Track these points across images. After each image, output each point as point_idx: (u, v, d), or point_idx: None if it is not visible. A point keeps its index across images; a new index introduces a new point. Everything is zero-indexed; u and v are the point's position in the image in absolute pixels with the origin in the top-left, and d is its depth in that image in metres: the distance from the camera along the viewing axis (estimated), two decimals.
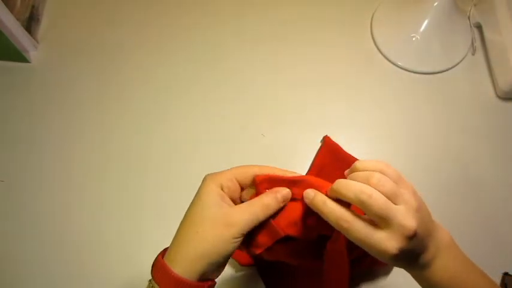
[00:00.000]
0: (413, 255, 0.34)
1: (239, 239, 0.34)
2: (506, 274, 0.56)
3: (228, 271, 0.57)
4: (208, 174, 0.37)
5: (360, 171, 0.35)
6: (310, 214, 0.37)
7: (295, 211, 0.37)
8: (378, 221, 0.33)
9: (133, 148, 0.66)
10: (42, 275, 0.58)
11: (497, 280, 0.56)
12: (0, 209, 0.62)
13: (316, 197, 0.35)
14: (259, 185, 0.37)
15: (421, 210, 0.34)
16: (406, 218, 0.32)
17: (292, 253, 0.40)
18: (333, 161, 0.63)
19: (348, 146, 0.64)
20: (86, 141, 0.67)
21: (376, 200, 0.32)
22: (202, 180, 0.37)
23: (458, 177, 0.64)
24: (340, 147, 0.64)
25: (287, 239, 0.37)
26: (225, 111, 0.69)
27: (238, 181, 0.37)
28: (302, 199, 0.36)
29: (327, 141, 0.65)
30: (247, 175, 0.37)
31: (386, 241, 0.32)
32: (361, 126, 0.68)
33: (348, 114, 0.69)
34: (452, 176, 0.64)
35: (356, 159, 0.63)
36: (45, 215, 0.61)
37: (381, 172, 0.34)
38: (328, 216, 0.34)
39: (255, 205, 0.35)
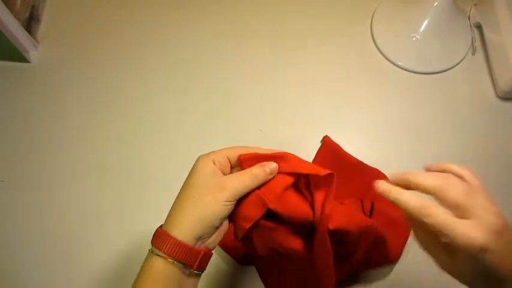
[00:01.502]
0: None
1: (231, 202, 0.37)
2: None
3: (228, 271, 0.57)
4: (201, 155, 0.40)
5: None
6: (293, 187, 0.39)
7: (279, 184, 0.39)
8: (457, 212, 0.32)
9: (133, 147, 0.66)
10: (43, 275, 0.58)
11: None
12: (0, 209, 0.62)
13: (392, 190, 0.35)
14: (243, 162, 0.40)
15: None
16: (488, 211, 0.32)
17: (280, 234, 0.42)
18: (332, 161, 0.63)
19: (348, 146, 0.64)
20: (86, 141, 0.67)
21: (456, 186, 0.33)
22: (196, 160, 0.40)
23: None
24: (340, 147, 0.64)
25: (273, 217, 0.39)
26: (225, 111, 0.69)
27: (228, 158, 0.40)
28: (285, 173, 0.39)
29: (327, 141, 0.65)
30: (237, 154, 0.40)
31: (470, 228, 0.31)
32: (361, 126, 0.68)
33: (348, 114, 0.69)
34: None
35: (356, 159, 0.63)
36: (46, 215, 0.61)
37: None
38: (407, 206, 0.34)
39: (244, 174, 0.38)
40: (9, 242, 0.60)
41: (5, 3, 0.65)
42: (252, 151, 0.40)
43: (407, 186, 0.36)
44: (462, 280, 0.34)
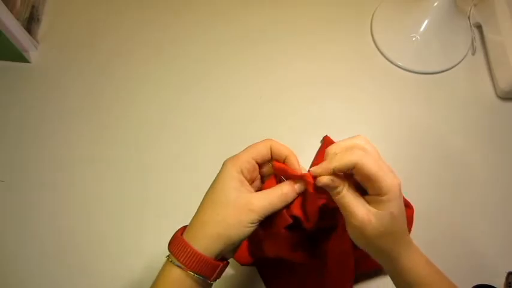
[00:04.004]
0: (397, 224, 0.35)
1: (256, 223, 0.36)
2: (511, 273, 0.56)
3: (228, 271, 0.57)
4: (228, 159, 0.39)
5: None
6: (316, 202, 0.39)
7: (303, 200, 0.39)
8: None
9: (133, 147, 0.66)
10: (43, 275, 0.58)
11: (502, 279, 0.57)
12: (0, 209, 0.62)
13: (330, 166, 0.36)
14: (276, 170, 0.39)
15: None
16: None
17: (293, 241, 0.42)
18: None
19: None
20: (86, 141, 0.67)
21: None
22: (223, 165, 0.38)
23: (458, 177, 0.64)
24: None
25: (291, 227, 0.39)
26: (225, 112, 0.69)
27: (255, 160, 0.39)
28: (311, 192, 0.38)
29: (327, 141, 0.65)
30: (263, 153, 0.39)
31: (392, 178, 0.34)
32: (361, 126, 0.68)
33: (348, 114, 0.69)
34: (453, 176, 0.64)
35: None
36: (46, 214, 0.61)
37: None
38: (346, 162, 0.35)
39: (274, 194, 0.37)
40: (9, 242, 0.60)
41: (5, 3, 0.65)
42: (275, 146, 0.39)
43: (332, 172, 0.36)
44: (362, 241, 0.37)
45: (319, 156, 0.64)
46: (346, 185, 0.36)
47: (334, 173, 0.36)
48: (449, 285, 0.39)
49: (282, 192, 0.37)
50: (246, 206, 0.36)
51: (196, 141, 0.67)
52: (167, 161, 0.65)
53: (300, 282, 0.53)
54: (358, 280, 0.56)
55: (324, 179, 0.36)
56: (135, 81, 0.72)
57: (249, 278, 0.57)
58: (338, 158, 0.35)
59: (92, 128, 0.68)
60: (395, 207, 0.34)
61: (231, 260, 0.57)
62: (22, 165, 0.65)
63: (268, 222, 0.38)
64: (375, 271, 0.57)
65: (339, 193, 0.36)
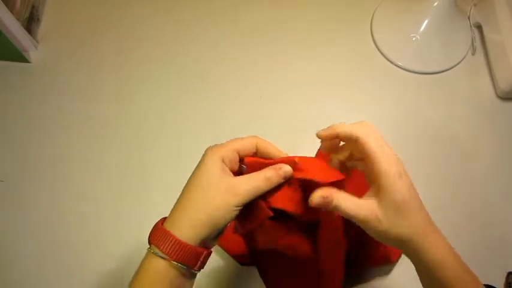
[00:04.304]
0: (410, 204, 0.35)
1: (239, 208, 0.35)
2: (511, 273, 0.56)
3: (228, 271, 0.57)
4: (209, 147, 0.38)
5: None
6: (298, 192, 0.39)
7: (287, 189, 0.39)
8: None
9: (133, 148, 0.66)
10: (41, 275, 0.58)
11: (502, 279, 0.57)
12: (0, 209, 0.62)
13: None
14: (248, 165, 0.38)
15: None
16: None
17: (281, 230, 0.42)
18: None
19: None
20: (85, 141, 0.67)
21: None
22: (205, 152, 0.38)
23: (458, 177, 0.64)
24: None
25: (277, 217, 0.39)
26: (225, 111, 0.69)
27: (238, 152, 0.38)
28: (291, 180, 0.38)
29: None
30: (248, 148, 0.39)
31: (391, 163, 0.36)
32: None
33: (347, 114, 0.69)
34: (453, 176, 0.64)
35: None
36: (45, 214, 0.61)
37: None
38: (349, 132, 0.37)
39: (257, 178, 0.37)
40: (9, 242, 0.60)
41: (5, 3, 0.65)
42: (262, 143, 0.39)
43: (335, 137, 0.39)
44: (379, 236, 0.36)
45: (319, 156, 0.64)
46: (336, 193, 0.35)
47: (323, 187, 0.36)
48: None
49: (266, 177, 0.37)
50: (231, 189, 0.35)
51: (196, 140, 0.66)
52: (167, 159, 0.65)
53: (299, 282, 0.53)
54: (357, 280, 0.56)
55: (316, 199, 0.35)
56: (134, 80, 0.72)
57: (249, 278, 0.57)
58: (344, 126, 0.37)
59: (91, 128, 0.68)
60: (397, 193, 0.34)
61: (231, 260, 0.57)
62: (22, 165, 0.65)
63: (247, 215, 0.37)
64: (373, 270, 0.57)
65: (332, 204, 0.35)
